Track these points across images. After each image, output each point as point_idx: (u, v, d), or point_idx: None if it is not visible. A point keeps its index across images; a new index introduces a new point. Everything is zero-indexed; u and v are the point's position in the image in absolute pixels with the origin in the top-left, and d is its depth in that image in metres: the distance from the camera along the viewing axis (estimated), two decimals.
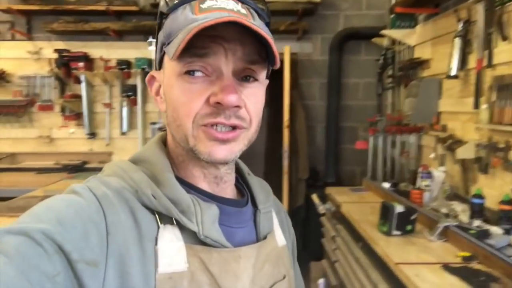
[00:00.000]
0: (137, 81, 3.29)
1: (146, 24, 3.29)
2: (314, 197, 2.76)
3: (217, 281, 0.50)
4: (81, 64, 3.27)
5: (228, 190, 0.58)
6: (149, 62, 3.33)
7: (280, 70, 3.24)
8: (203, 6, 0.49)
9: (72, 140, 3.40)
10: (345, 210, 2.27)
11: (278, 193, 3.33)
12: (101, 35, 3.36)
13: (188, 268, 0.48)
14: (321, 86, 3.53)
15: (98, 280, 0.43)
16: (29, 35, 3.39)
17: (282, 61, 3.19)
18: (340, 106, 3.48)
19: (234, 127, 0.50)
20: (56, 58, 3.30)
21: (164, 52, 0.52)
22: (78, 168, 3.27)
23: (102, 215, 0.46)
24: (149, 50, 3.34)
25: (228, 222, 0.55)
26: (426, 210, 1.95)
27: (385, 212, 1.80)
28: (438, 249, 1.60)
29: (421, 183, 2.15)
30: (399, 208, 1.76)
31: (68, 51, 3.31)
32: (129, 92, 3.31)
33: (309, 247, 3.06)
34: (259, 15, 0.53)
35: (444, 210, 1.86)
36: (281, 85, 3.18)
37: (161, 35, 0.52)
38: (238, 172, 0.65)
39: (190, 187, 0.54)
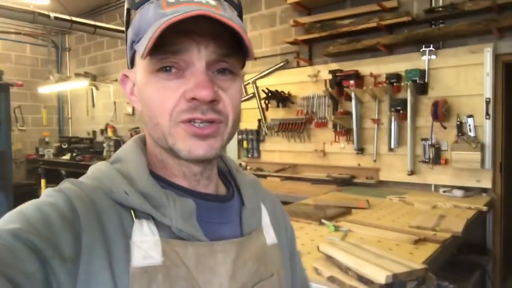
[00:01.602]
0: (407, 94, 3.10)
1: (419, 33, 3.07)
2: None
3: (193, 275, 0.49)
4: (352, 82, 3.40)
5: (210, 187, 0.57)
6: (421, 73, 3.08)
7: None
8: (171, 0, 0.48)
9: (342, 154, 3.59)
10: None
11: None
12: (371, 51, 3.40)
13: (163, 262, 0.47)
14: None
15: (73, 277, 0.43)
16: (309, 61, 3.84)
17: None
18: None
19: (211, 122, 0.50)
20: (330, 79, 3.58)
21: (135, 51, 0.51)
22: (347, 182, 3.40)
23: (76, 213, 0.46)
24: (422, 60, 3.11)
25: (209, 218, 0.54)
26: None
27: None
28: None
29: None
30: None
31: (341, 71, 3.52)
32: (398, 107, 3.17)
33: None
34: (232, 6, 0.53)
35: None
36: None
37: (130, 32, 0.52)
38: (227, 168, 0.64)
39: (168, 184, 0.54)
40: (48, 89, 5.97)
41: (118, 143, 5.59)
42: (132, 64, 0.55)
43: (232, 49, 0.50)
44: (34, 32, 6.43)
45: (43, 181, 3.61)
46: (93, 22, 3.46)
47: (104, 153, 5.48)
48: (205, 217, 0.53)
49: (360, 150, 3.44)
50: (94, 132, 6.34)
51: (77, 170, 4.67)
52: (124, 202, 0.49)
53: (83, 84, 5.89)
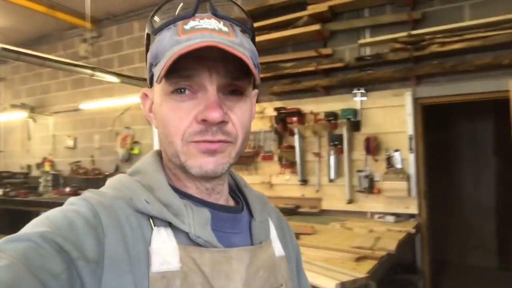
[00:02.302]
0: (343, 131, 3.46)
1: (351, 77, 3.49)
2: None
3: (210, 281, 0.50)
4: (294, 119, 3.71)
5: (221, 200, 0.60)
6: (355, 112, 3.48)
7: (507, 110, 2.81)
8: (186, 27, 0.52)
9: (287, 186, 3.83)
10: None
11: None
12: (311, 92, 3.76)
13: (181, 267, 0.49)
14: None
15: (97, 279, 0.45)
16: (256, 99, 4.10)
17: (508, 100, 2.78)
18: None
19: (220, 142, 0.53)
20: (275, 115, 3.87)
21: (153, 73, 0.55)
22: (292, 211, 3.62)
23: (99, 219, 0.49)
24: (355, 101, 3.51)
25: (222, 228, 0.56)
26: None
27: None
28: None
29: None
30: None
31: (284, 108, 3.83)
32: (335, 142, 3.51)
33: None
34: (244, 30, 0.56)
35: None
36: (508, 128, 2.73)
37: (149, 56, 0.56)
38: (235, 184, 0.67)
39: (184, 195, 0.57)
40: None
41: (56, 178, 5.34)
42: (151, 83, 0.58)
43: (242, 72, 0.52)
44: None
45: None
46: (42, 54, 3.44)
47: (41, 188, 5.19)
48: (218, 227, 0.55)
49: (304, 182, 3.70)
50: (29, 166, 5.99)
51: (10, 207, 4.37)
52: (144, 210, 0.52)
53: (20, 115, 5.62)
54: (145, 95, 0.60)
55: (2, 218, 4.46)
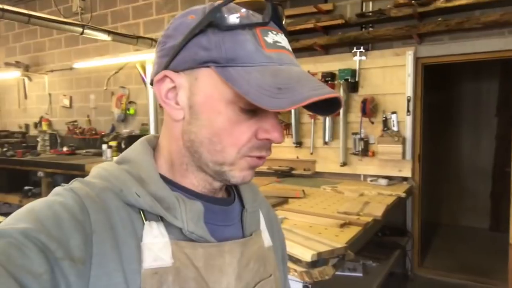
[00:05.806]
0: (340, 92, 3.35)
1: (351, 35, 3.33)
2: None
3: (203, 276, 0.50)
4: None
5: (219, 194, 0.59)
6: (353, 72, 3.35)
7: None
8: (268, 40, 0.49)
9: (282, 147, 3.78)
10: None
11: (506, 217, 2.66)
12: (309, 51, 3.61)
13: (173, 263, 0.48)
14: None
15: (84, 279, 0.43)
16: None
17: None
18: None
19: None
20: None
21: (207, 66, 0.49)
22: (286, 174, 3.60)
23: (87, 214, 0.46)
24: (353, 61, 3.37)
25: (214, 220, 0.55)
26: None
27: None
28: None
29: None
30: None
31: None
32: None
33: None
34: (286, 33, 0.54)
35: None
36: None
37: (206, 43, 0.48)
38: None
39: (176, 186, 0.55)
40: None
41: (54, 137, 5.34)
42: (181, 67, 0.51)
43: None
44: None
45: None
46: (26, 11, 3.29)
47: (39, 148, 5.20)
48: (210, 220, 0.54)
49: (298, 144, 3.66)
50: (27, 126, 5.98)
51: (8, 166, 4.40)
52: (135, 204, 0.50)
53: (14, 74, 5.53)
54: (165, 77, 0.52)
55: (1, 177, 4.51)
